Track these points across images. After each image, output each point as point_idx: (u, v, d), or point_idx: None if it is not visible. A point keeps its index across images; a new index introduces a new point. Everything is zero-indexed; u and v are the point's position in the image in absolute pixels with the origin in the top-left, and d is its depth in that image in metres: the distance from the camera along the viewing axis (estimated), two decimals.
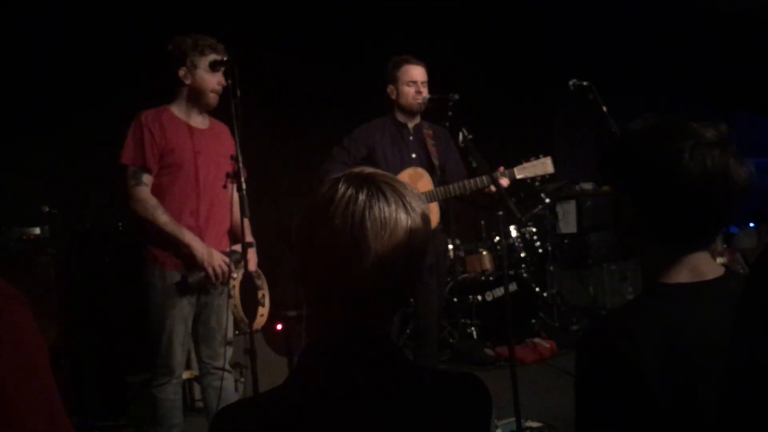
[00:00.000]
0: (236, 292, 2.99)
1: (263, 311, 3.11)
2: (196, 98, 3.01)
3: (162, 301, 2.92)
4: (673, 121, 1.26)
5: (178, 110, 3.03)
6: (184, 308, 2.94)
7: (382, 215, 1.04)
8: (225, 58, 2.89)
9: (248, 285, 2.93)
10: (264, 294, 3.14)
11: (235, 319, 3.10)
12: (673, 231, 1.26)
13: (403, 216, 1.06)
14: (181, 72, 2.97)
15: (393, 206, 1.05)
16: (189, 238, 2.89)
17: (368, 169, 1.12)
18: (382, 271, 1.04)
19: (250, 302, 2.97)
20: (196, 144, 2.99)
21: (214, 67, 2.93)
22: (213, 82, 2.97)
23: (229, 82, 2.80)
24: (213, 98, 3.01)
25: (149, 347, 2.99)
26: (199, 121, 3.07)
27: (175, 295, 2.91)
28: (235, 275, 2.99)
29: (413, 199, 1.09)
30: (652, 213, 1.26)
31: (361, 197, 1.04)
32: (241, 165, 2.73)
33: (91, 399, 4.03)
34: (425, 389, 1.09)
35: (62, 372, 3.66)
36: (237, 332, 3.52)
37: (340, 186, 1.06)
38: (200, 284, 2.92)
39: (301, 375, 1.09)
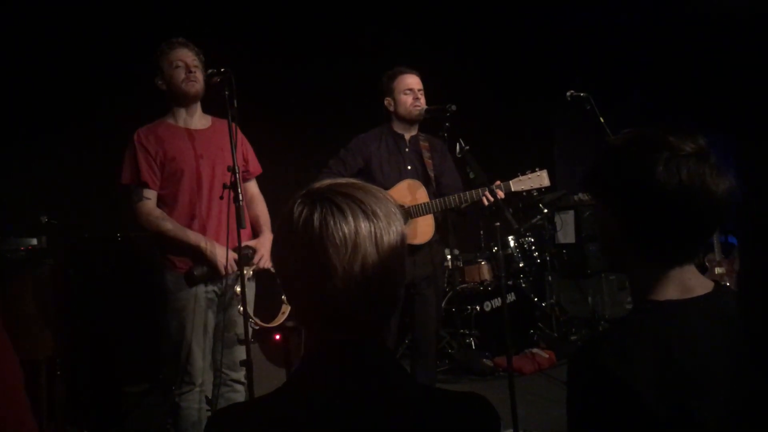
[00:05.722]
0: (243, 290, 2.93)
1: (285, 309, 3.08)
2: (177, 98, 3.04)
3: (180, 307, 2.92)
4: (650, 133, 1.24)
5: (173, 119, 3.07)
6: (203, 314, 2.94)
7: (340, 233, 1.01)
8: (222, 69, 2.87)
9: (266, 282, 2.92)
10: None
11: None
12: (656, 246, 1.24)
13: (364, 226, 1.03)
14: (158, 82, 3.03)
15: (350, 218, 1.02)
16: (197, 239, 2.92)
17: (327, 182, 1.09)
18: (356, 284, 1.02)
19: (268, 301, 2.96)
20: (198, 147, 3.01)
21: (210, 78, 2.94)
22: (179, 73, 2.98)
23: (227, 93, 2.81)
24: (188, 86, 3.00)
25: (162, 355, 3.00)
26: (199, 122, 3.10)
27: (193, 299, 2.92)
28: (245, 271, 2.96)
29: (376, 203, 1.06)
30: (633, 228, 1.24)
31: (316, 217, 1.02)
32: (239, 177, 2.75)
33: (89, 410, 4.01)
34: (430, 408, 1.07)
35: (58, 382, 3.65)
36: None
37: (296, 208, 1.05)
38: (207, 277, 2.92)
39: (296, 381, 1.09)
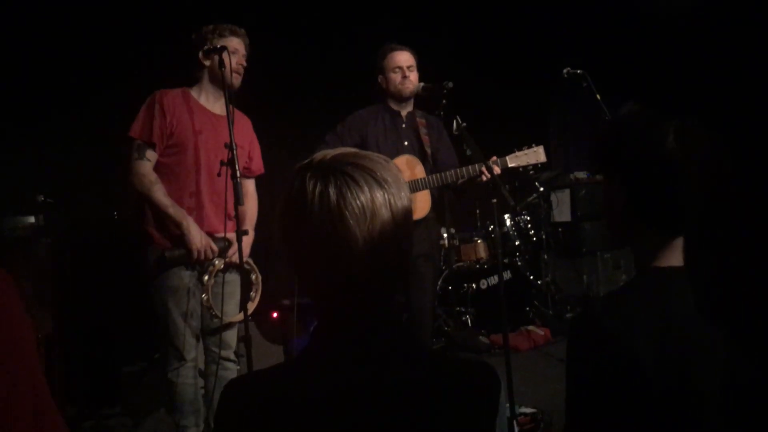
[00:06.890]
0: (210, 281, 2.94)
1: (250, 306, 3.09)
2: (216, 80, 2.99)
3: (161, 283, 2.90)
4: None
5: (196, 93, 3.05)
6: (185, 289, 2.91)
7: (358, 203, 1.02)
8: (218, 46, 2.86)
9: (240, 276, 2.88)
10: (257, 290, 3.12)
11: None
12: (662, 214, 1.24)
13: (379, 194, 1.04)
14: (201, 56, 3.00)
15: (366, 188, 1.04)
16: (180, 216, 2.86)
17: (331, 153, 1.09)
18: (374, 251, 1.03)
19: (240, 295, 2.95)
20: (197, 123, 2.97)
21: (207, 54, 2.92)
22: (232, 62, 2.92)
23: (223, 69, 2.80)
24: (235, 79, 2.99)
25: (157, 333, 3.00)
26: (216, 106, 3.07)
27: (173, 275, 2.89)
28: (216, 262, 2.95)
29: (384, 170, 1.08)
30: (640, 197, 1.24)
31: (332, 191, 1.02)
32: (236, 154, 2.73)
33: (86, 388, 4.04)
34: (437, 371, 1.10)
35: (57, 361, 3.66)
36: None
37: (308, 182, 1.04)
38: (178, 260, 2.88)
39: (313, 350, 1.10)
